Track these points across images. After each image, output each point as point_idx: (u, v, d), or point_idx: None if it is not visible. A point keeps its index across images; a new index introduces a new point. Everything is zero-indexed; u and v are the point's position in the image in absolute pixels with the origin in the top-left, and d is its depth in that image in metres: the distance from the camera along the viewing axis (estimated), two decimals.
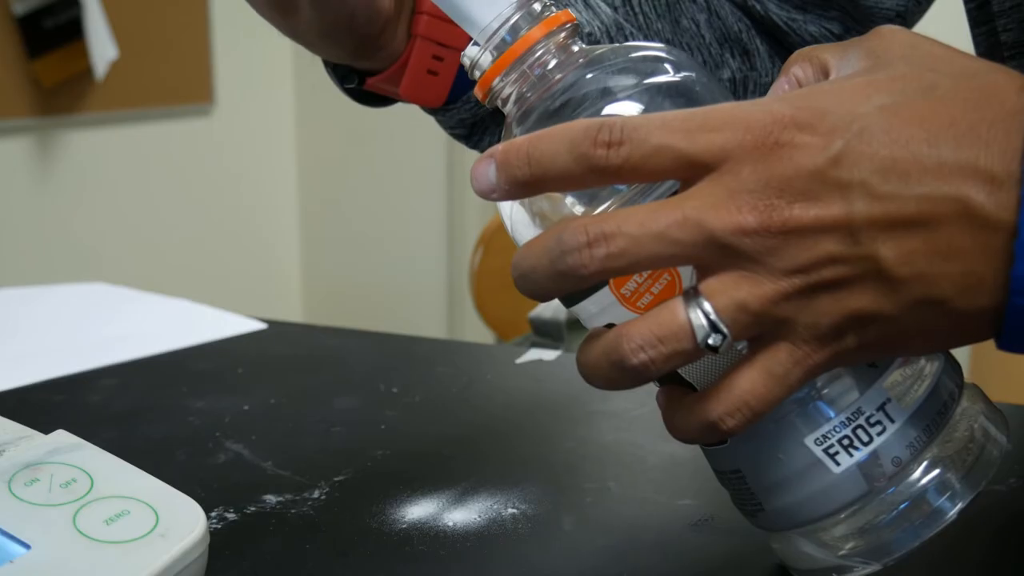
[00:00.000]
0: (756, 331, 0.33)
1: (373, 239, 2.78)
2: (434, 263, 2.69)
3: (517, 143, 0.34)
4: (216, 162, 2.56)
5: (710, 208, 0.32)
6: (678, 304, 0.32)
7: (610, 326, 0.37)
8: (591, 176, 0.33)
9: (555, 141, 0.33)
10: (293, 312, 2.82)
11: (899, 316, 0.32)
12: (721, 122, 0.32)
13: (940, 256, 0.31)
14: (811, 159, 0.31)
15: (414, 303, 2.74)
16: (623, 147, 0.32)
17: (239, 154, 2.62)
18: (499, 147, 0.34)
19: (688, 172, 0.32)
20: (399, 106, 0.59)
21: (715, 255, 0.32)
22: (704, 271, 0.33)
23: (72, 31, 2.06)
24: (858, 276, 0.32)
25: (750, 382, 0.33)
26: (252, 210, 2.70)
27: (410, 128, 2.60)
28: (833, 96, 0.33)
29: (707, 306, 0.32)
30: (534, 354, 0.74)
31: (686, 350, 0.32)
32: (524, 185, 0.34)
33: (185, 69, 2.42)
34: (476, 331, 2.58)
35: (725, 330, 0.32)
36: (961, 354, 1.95)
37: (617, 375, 0.33)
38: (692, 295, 0.33)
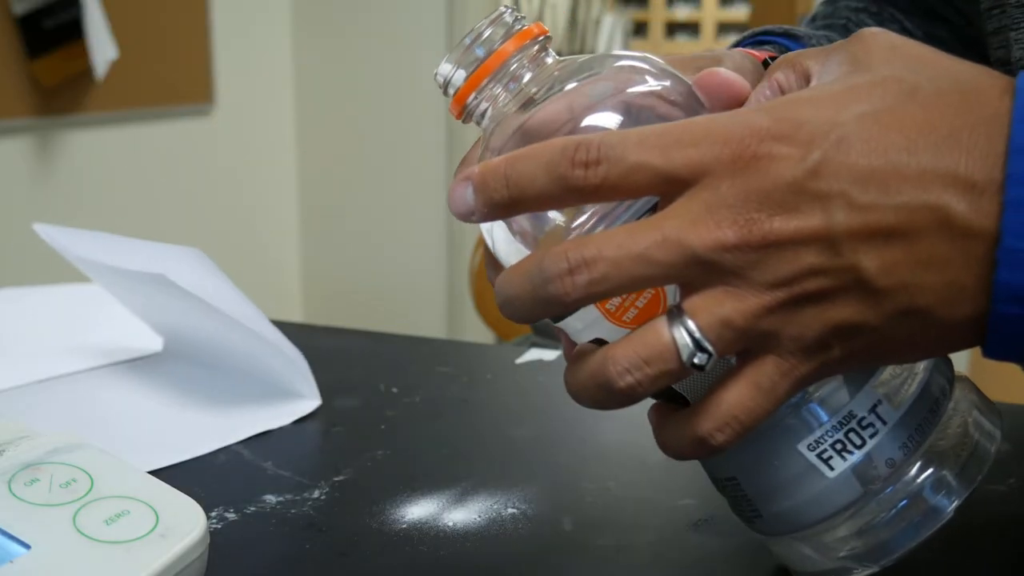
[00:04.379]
0: (742, 346, 0.33)
1: (373, 239, 2.78)
2: (434, 263, 2.69)
3: (494, 165, 0.33)
4: (216, 162, 2.56)
5: (689, 225, 0.31)
6: (662, 324, 0.32)
7: (598, 340, 0.37)
8: (570, 196, 0.33)
9: (532, 162, 0.33)
10: (293, 312, 2.82)
11: (883, 326, 0.32)
12: (698, 136, 0.32)
13: (921, 266, 0.31)
14: (789, 171, 0.31)
15: (414, 303, 2.74)
16: (600, 167, 0.32)
17: (239, 154, 2.62)
18: (475, 169, 0.34)
19: (666, 188, 0.32)
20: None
21: (697, 272, 0.32)
22: (687, 288, 0.32)
23: (72, 31, 2.06)
24: (840, 287, 0.31)
25: (738, 396, 0.33)
26: (252, 210, 2.70)
27: (410, 128, 2.60)
28: (811, 105, 0.32)
29: (691, 324, 0.32)
30: (534, 354, 0.74)
31: (672, 370, 0.32)
32: (502, 207, 0.34)
33: (185, 69, 2.42)
34: (476, 331, 2.58)
35: (710, 348, 0.32)
36: (960, 355, 1.95)
37: (604, 397, 0.33)
38: (676, 314, 0.32)
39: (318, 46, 2.73)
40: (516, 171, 0.33)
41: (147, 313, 0.73)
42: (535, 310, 0.33)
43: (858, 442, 0.36)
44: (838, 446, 0.36)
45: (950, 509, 0.36)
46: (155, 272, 0.60)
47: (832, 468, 0.36)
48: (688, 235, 0.31)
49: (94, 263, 0.68)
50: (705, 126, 0.32)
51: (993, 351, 0.32)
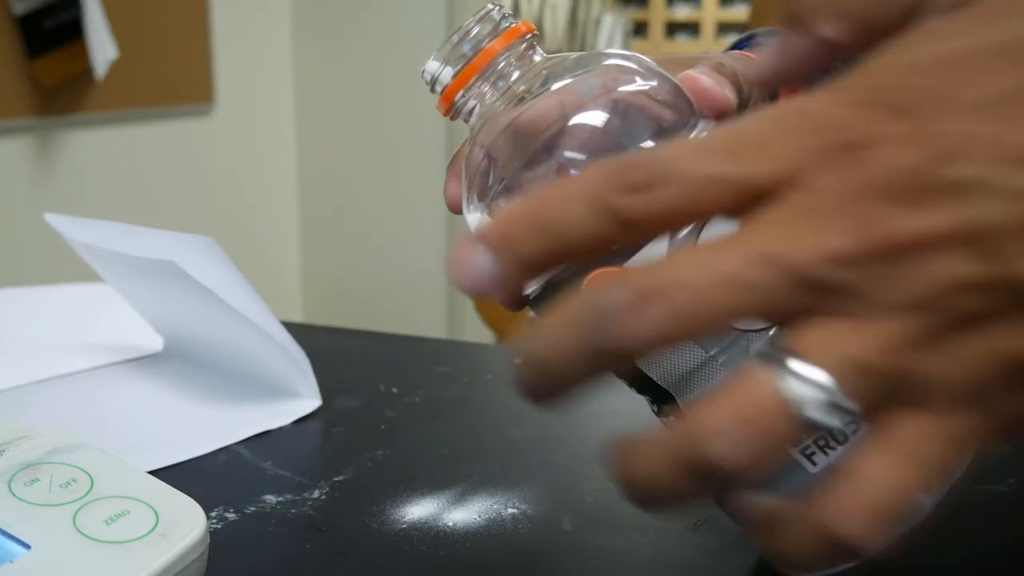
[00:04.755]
0: (878, 397, 0.23)
1: (373, 239, 2.78)
2: (434, 263, 2.69)
3: (513, 214, 0.25)
4: (216, 162, 2.56)
5: (787, 237, 0.23)
6: (762, 373, 0.23)
7: None
8: (625, 233, 0.25)
9: (569, 200, 0.25)
10: (293, 312, 2.82)
11: None
12: (770, 133, 0.25)
13: None
14: (907, 154, 0.23)
15: (414, 303, 2.74)
16: (660, 189, 0.24)
17: (239, 154, 2.62)
18: (488, 227, 0.26)
19: (746, 201, 0.24)
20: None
21: (804, 297, 0.23)
22: (793, 321, 0.24)
23: (72, 31, 2.06)
24: (1004, 306, 0.23)
25: (886, 471, 0.23)
26: (252, 210, 2.70)
27: (410, 128, 2.60)
28: (922, 73, 0.24)
29: (808, 371, 0.23)
30: None
31: (784, 434, 0.23)
32: (536, 264, 0.25)
33: (185, 69, 2.42)
34: (476, 331, 2.58)
35: (847, 403, 0.23)
36: None
37: (688, 483, 0.24)
38: (779, 357, 0.23)
39: (318, 46, 2.73)
40: (547, 213, 0.25)
41: (150, 308, 0.73)
42: (585, 368, 0.24)
43: (840, 438, 0.36)
44: (820, 442, 0.36)
45: (931, 502, 0.36)
46: (165, 259, 0.60)
47: (815, 464, 0.36)
48: (787, 248, 0.23)
49: (102, 251, 0.67)
50: (780, 119, 0.25)
51: None
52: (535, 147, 0.36)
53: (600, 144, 0.36)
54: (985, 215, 0.23)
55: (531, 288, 0.37)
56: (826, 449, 0.36)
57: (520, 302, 0.36)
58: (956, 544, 0.44)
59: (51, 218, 0.69)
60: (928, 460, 0.24)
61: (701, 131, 0.36)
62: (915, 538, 0.36)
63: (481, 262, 0.25)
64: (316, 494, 0.51)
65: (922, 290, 0.23)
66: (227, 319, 0.62)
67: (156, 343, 0.75)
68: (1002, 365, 0.23)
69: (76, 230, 0.69)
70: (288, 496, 0.51)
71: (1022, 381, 0.23)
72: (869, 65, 0.26)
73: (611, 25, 4.96)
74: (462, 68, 0.38)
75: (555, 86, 0.37)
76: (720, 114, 0.38)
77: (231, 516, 0.49)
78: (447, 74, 0.38)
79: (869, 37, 0.30)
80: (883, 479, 0.23)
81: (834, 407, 0.23)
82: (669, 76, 0.37)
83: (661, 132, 0.35)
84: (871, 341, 0.23)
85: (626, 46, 5.10)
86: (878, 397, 0.23)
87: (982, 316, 0.23)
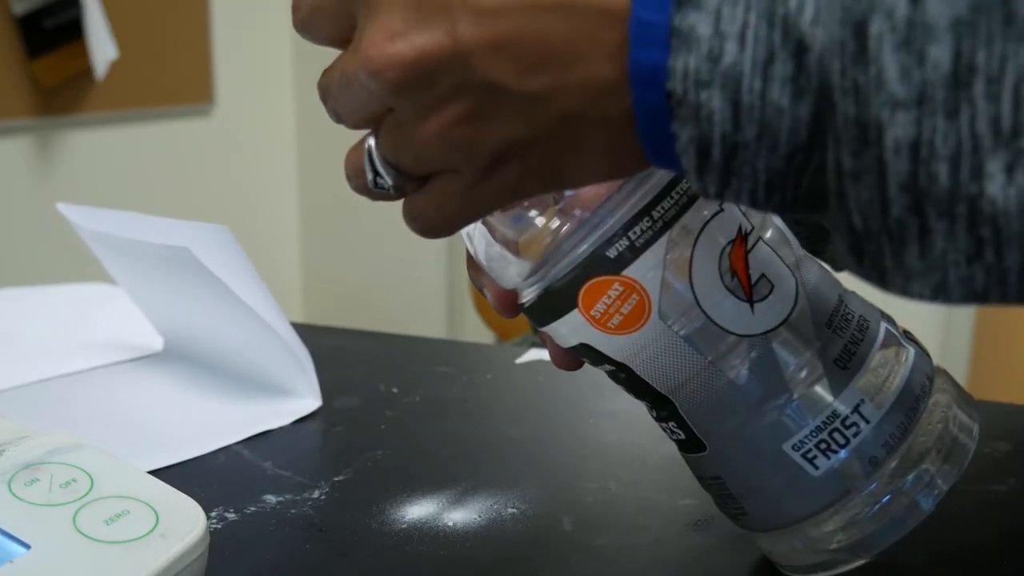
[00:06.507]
0: (423, 170, 0.33)
1: (373, 239, 2.78)
2: (434, 263, 2.69)
3: None
4: (216, 162, 2.56)
5: (350, 53, 0.32)
6: (360, 148, 0.34)
7: (584, 346, 0.37)
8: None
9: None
10: (293, 312, 2.82)
11: (544, 136, 0.30)
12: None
13: (559, 65, 0.29)
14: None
15: (414, 303, 2.74)
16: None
17: (239, 154, 2.62)
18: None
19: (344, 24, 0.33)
20: None
21: (379, 103, 0.32)
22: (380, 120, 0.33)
23: (72, 31, 2.06)
24: (485, 104, 0.30)
25: (423, 202, 0.33)
26: (252, 210, 2.70)
27: None
28: None
29: (374, 153, 0.33)
30: (534, 354, 0.74)
31: (363, 187, 0.34)
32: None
33: (185, 69, 2.42)
34: (476, 331, 2.58)
35: (384, 173, 0.33)
36: (960, 355, 1.94)
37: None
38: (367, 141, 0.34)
39: (318, 46, 2.73)
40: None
41: (154, 301, 0.73)
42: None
43: (842, 441, 0.36)
44: (822, 445, 0.36)
45: (932, 504, 0.36)
46: (178, 245, 0.60)
47: (817, 467, 0.36)
48: (347, 64, 0.32)
49: (113, 238, 0.67)
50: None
51: (652, 152, 0.29)
52: None
53: None
54: (460, 33, 0.29)
55: (526, 297, 0.37)
56: (828, 453, 0.36)
57: (515, 310, 0.39)
58: (956, 543, 0.44)
59: (63, 207, 0.69)
60: (447, 202, 0.32)
61: None
62: (915, 537, 0.36)
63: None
64: (316, 494, 0.51)
65: (427, 99, 0.30)
66: (234, 312, 0.62)
67: (156, 343, 0.75)
68: (495, 145, 0.30)
69: (86, 218, 0.69)
70: (288, 496, 0.51)
71: (512, 156, 0.31)
72: None
73: None
74: None
75: None
76: None
77: (231, 516, 0.49)
78: None
79: None
80: (418, 204, 0.33)
81: (377, 174, 0.33)
82: None
83: None
84: (406, 136, 0.32)
85: None
86: (418, 170, 0.33)
87: (471, 115, 0.30)
